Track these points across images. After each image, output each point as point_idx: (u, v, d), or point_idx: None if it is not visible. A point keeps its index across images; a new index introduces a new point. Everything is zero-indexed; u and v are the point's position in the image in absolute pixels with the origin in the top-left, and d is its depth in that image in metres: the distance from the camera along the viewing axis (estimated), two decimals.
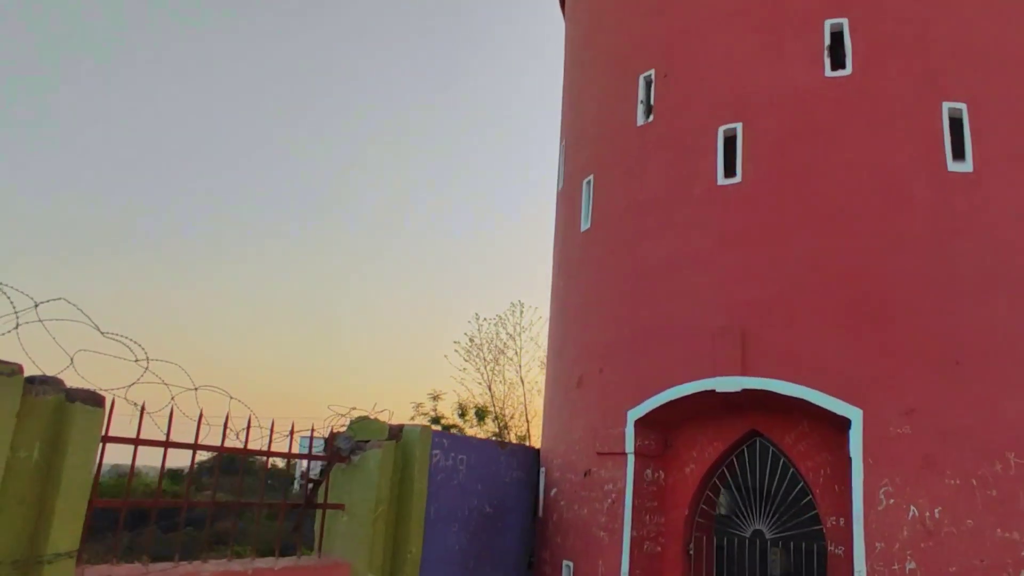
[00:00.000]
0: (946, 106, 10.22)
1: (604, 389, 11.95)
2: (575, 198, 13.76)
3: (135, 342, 6.66)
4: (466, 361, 25.56)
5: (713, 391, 10.46)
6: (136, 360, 6.29)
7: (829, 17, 10.89)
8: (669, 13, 12.37)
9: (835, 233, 10.15)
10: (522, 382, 25.03)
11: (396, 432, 9.71)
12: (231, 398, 7.08)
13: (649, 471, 11.45)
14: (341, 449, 9.33)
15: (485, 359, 25.24)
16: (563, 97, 15.99)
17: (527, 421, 25.01)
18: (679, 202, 11.43)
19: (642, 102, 12.50)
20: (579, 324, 12.91)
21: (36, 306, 5.86)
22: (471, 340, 25.57)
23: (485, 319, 26.14)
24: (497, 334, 24.93)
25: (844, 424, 9.91)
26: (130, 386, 6.41)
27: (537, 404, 25.22)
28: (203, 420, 6.72)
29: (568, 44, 16.01)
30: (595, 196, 13.05)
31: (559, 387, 13.43)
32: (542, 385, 24.74)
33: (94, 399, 6.01)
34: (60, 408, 5.78)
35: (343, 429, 10.01)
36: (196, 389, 7.07)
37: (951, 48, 10.46)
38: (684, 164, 11.53)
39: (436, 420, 28.39)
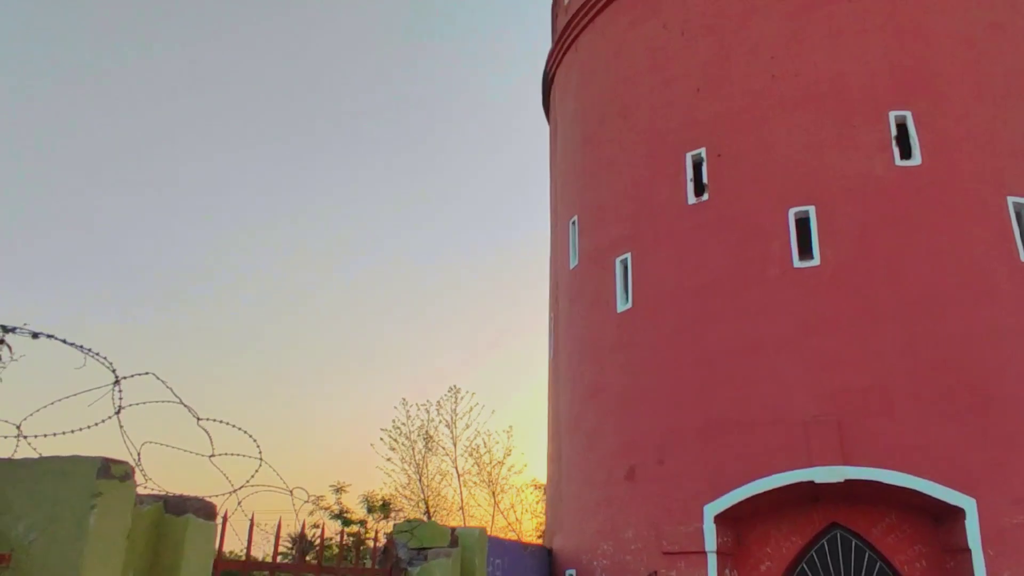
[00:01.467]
0: (1011, 200, 10.67)
1: (668, 482, 11.03)
2: (602, 277, 13.04)
3: (246, 433, 5.20)
4: (392, 450, 23.53)
5: (809, 482, 9.88)
6: (210, 455, 4.92)
7: (893, 109, 11.19)
8: (719, 95, 12.26)
9: (926, 321, 10.11)
10: (458, 473, 23.34)
11: (454, 537, 8.55)
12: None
13: (727, 570, 10.56)
14: (401, 560, 7.99)
15: (413, 448, 23.38)
16: (561, 175, 15.45)
17: (463, 512, 23.20)
18: (751, 285, 11.03)
19: (691, 180, 12.17)
20: (622, 412, 11.98)
21: (117, 381, 4.42)
22: (398, 428, 23.67)
23: (415, 405, 24.32)
24: (428, 420, 23.23)
25: (942, 515, 9.63)
26: (238, 489, 5.01)
27: (479, 496, 23.51)
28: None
29: (568, 122, 15.58)
30: (635, 275, 12.41)
31: (592, 482, 12.31)
32: (479, 476, 23.19)
33: (206, 510, 4.43)
34: (160, 521, 4.17)
35: (392, 532, 8.66)
36: (291, 491, 5.75)
37: (1011, 145, 11.03)
38: (752, 245, 11.21)
39: (340, 515, 25.78)
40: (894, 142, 11.04)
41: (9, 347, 4.50)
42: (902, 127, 11.16)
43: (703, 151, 12.14)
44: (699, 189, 12.07)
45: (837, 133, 11.25)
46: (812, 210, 11.00)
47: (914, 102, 11.18)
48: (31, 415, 4.18)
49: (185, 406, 4.82)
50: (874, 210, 10.75)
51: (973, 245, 10.43)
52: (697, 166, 12.20)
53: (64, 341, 4.59)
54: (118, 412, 4.66)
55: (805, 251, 10.91)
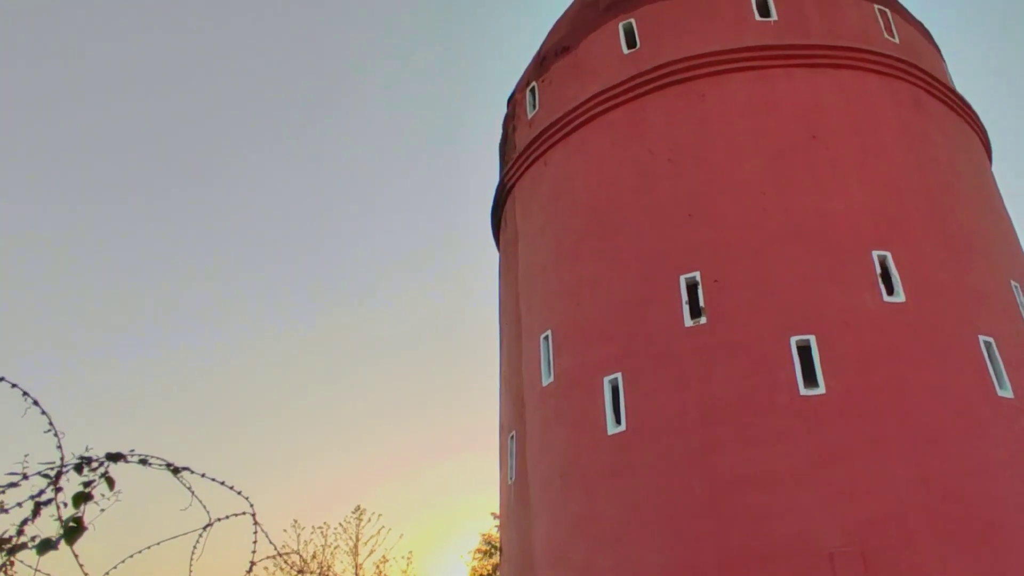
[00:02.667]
0: (981, 339, 11.60)
1: None
2: (588, 397, 12.60)
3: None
4: None
5: None
6: None
7: (875, 249, 12.00)
8: (712, 222, 12.60)
9: (930, 452, 10.52)
10: None
11: None
12: None
13: None
14: None
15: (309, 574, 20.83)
16: (527, 289, 15.10)
17: None
18: (759, 412, 11.03)
19: (687, 303, 12.24)
20: (621, 545, 11.32)
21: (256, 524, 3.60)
22: (287, 554, 21.09)
23: (310, 527, 21.77)
24: (326, 545, 20.93)
25: None
26: None
27: None
28: None
29: (535, 235, 15.38)
30: (628, 397, 12.08)
31: None
32: None
33: None
34: None
35: None
36: None
37: (975, 289, 12.10)
38: (757, 372, 11.30)
39: None
40: (879, 279, 11.78)
41: (111, 481, 3.37)
42: (884, 266, 11.96)
43: (697, 275, 12.30)
44: (695, 312, 12.14)
45: (829, 267, 11.85)
46: (813, 339, 11.34)
47: (892, 244, 12.08)
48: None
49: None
50: (870, 342, 11.26)
51: (957, 381, 11.15)
52: (691, 289, 12.32)
53: (206, 476, 3.50)
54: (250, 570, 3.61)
55: (810, 379, 11.14)
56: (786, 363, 11.27)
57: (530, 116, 16.57)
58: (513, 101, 17.77)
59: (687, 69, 14.02)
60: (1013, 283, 12.85)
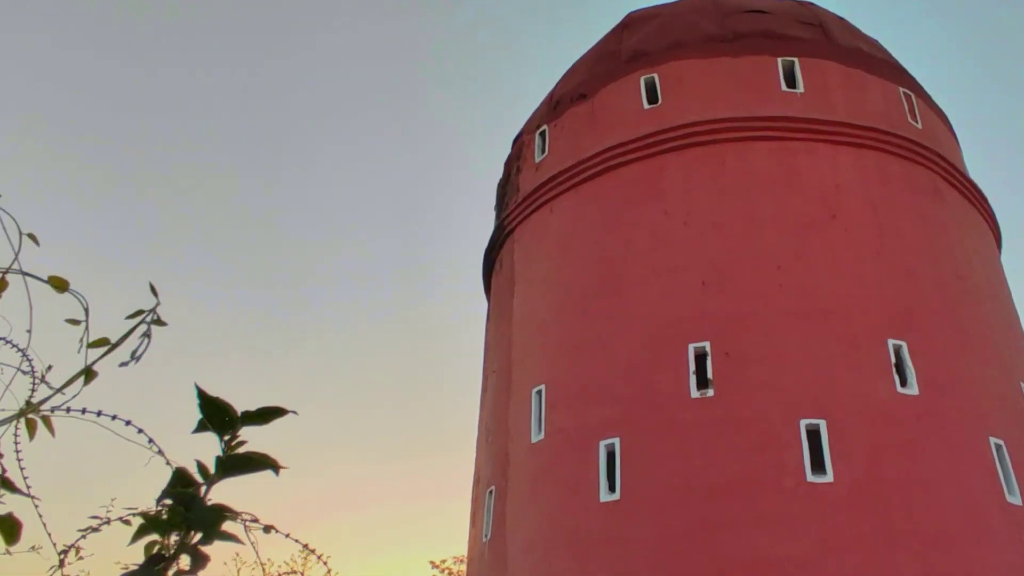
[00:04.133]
0: (992, 440, 11.26)
1: None
2: (583, 459, 11.99)
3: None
4: None
5: None
6: None
7: (891, 337, 11.67)
8: (725, 292, 12.21)
9: (936, 551, 10.11)
10: None
11: None
12: None
13: None
14: None
15: None
16: (522, 337, 14.53)
17: None
18: (765, 494, 10.53)
19: (694, 373, 11.75)
20: None
21: None
22: None
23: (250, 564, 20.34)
24: None
25: None
26: None
27: None
28: None
29: (537, 283, 14.85)
30: (625, 465, 11.51)
31: None
32: None
33: None
34: None
35: None
36: None
37: (988, 388, 11.80)
38: (765, 452, 10.83)
39: None
40: (894, 369, 11.42)
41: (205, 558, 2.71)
42: (899, 356, 11.62)
43: (707, 345, 11.85)
44: (702, 383, 11.65)
45: (843, 351, 11.49)
46: (823, 424, 10.91)
47: (907, 334, 11.77)
48: None
49: None
50: (882, 433, 10.87)
51: (968, 481, 10.78)
52: (700, 359, 11.85)
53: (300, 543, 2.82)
54: None
55: (818, 465, 10.68)
56: (795, 446, 10.81)
57: (538, 159, 16.15)
58: (520, 142, 17.36)
59: (709, 132, 13.74)
60: (1023, 384, 12.59)
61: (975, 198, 14.91)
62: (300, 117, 48.67)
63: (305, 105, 49.00)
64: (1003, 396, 12.05)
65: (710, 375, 11.64)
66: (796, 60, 14.55)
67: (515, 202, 16.30)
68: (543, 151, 16.23)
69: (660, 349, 12.15)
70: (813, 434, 10.95)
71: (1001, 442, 11.35)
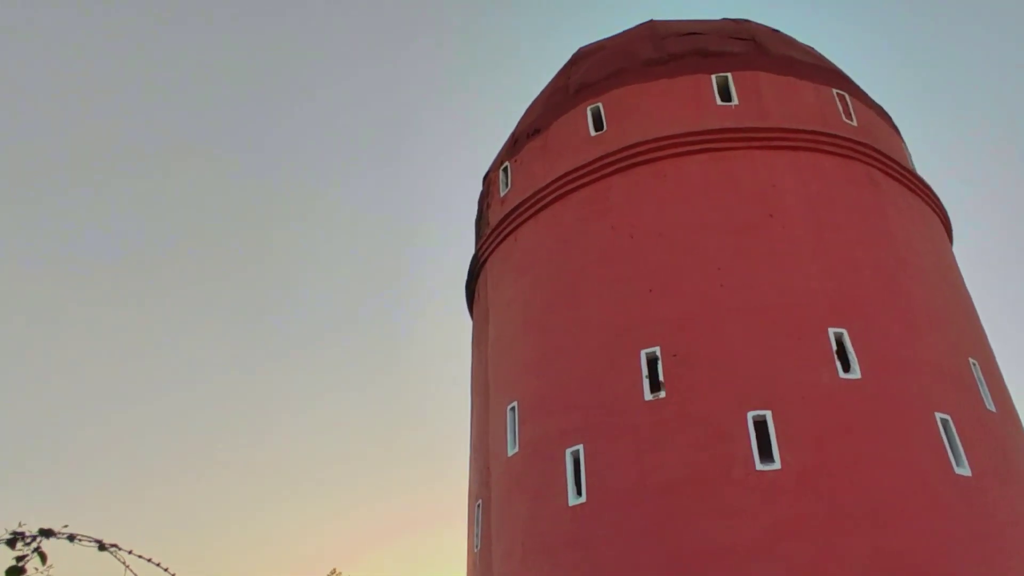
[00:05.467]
0: (938, 416, 11.67)
1: None
2: (550, 467, 12.61)
3: None
4: None
5: None
6: None
7: (832, 326, 12.21)
8: (671, 297, 12.86)
9: (886, 529, 10.47)
10: None
11: None
12: None
13: None
14: None
15: None
16: (496, 360, 15.27)
17: None
18: (716, 486, 11.04)
19: (647, 377, 12.38)
20: None
21: None
22: None
23: None
24: None
25: None
26: None
27: None
28: None
29: (504, 307, 15.66)
30: (589, 469, 12.10)
31: None
32: None
33: None
34: None
35: None
36: None
37: (932, 365, 12.24)
38: (715, 446, 11.36)
39: None
40: (836, 356, 11.94)
41: (43, 555, 3.55)
42: (840, 343, 12.14)
43: (657, 349, 12.48)
44: (655, 386, 12.26)
45: (786, 343, 12.03)
46: (769, 414, 11.42)
47: (848, 321, 12.29)
48: None
49: None
50: (826, 419, 11.34)
51: (913, 456, 11.17)
52: (652, 363, 12.47)
53: (132, 553, 3.64)
54: None
55: (766, 454, 11.17)
56: (743, 437, 11.33)
57: (503, 194, 17.07)
58: (488, 179, 18.32)
59: (650, 151, 14.54)
60: (972, 360, 12.99)
61: (918, 188, 15.44)
62: (290, 177, 50.26)
63: (295, 163, 50.66)
64: (950, 372, 12.45)
65: (661, 377, 12.26)
66: (729, 75, 15.36)
67: (485, 235, 17.19)
68: (507, 185, 17.15)
69: (614, 356, 12.81)
70: (760, 425, 11.46)
71: (947, 417, 11.73)
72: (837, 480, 10.85)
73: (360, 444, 45.71)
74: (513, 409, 14.02)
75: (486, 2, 57.11)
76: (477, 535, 14.24)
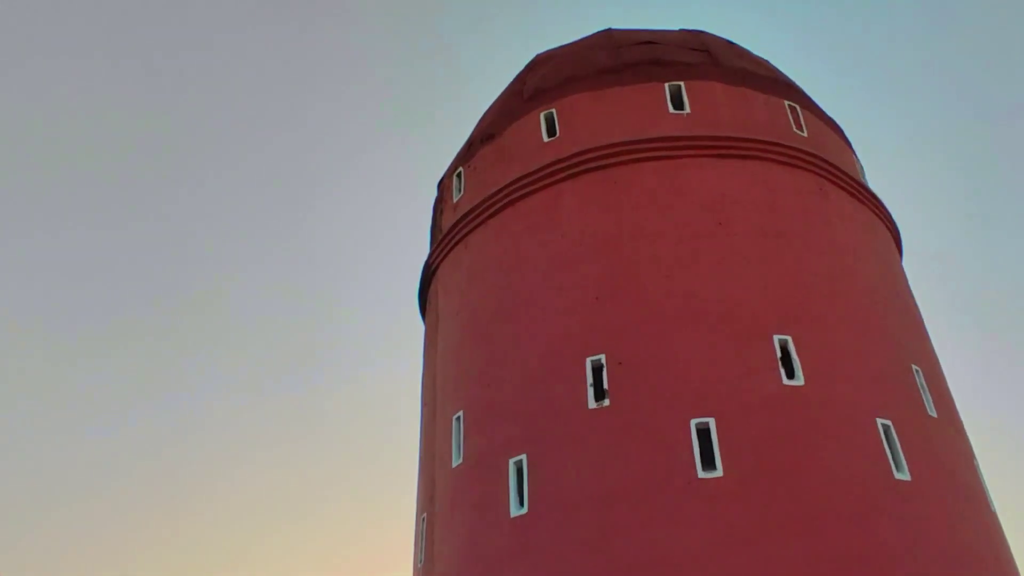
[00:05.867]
0: (879, 422, 11.65)
1: None
2: (493, 478, 12.37)
3: None
4: None
5: None
6: None
7: (776, 333, 12.16)
8: (617, 305, 12.73)
9: (824, 537, 10.40)
10: None
11: None
12: None
13: None
14: None
15: None
16: (443, 370, 15.03)
17: None
18: (656, 495, 10.88)
19: (591, 385, 12.22)
20: None
21: None
22: None
23: None
24: None
25: None
26: None
27: None
28: None
29: (452, 315, 15.45)
30: (531, 479, 11.88)
31: None
32: None
33: None
34: None
35: None
36: None
37: (874, 371, 12.24)
38: (656, 454, 11.22)
39: None
40: (780, 363, 11.88)
41: None
42: (785, 349, 12.09)
43: (603, 357, 12.33)
44: (599, 394, 12.10)
45: (730, 350, 11.96)
46: (712, 422, 11.31)
47: (793, 328, 12.26)
48: None
49: None
50: (769, 426, 11.26)
51: (855, 462, 11.13)
52: (597, 371, 12.32)
53: None
54: None
55: (708, 462, 11.05)
56: (685, 446, 11.20)
57: (455, 200, 16.89)
58: (442, 185, 18.14)
59: (601, 157, 14.47)
60: (915, 367, 13.02)
61: (865, 199, 15.53)
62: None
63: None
64: (893, 379, 12.46)
65: (606, 385, 12.10)
66: (682, 84, 15.37)
67: (437, 242, 16.98)
68: (460, 191, 16.98)
69: (560, 364, 12.63)
70: (703, 432, 11.35)
71: (889, 422, 11.72)
72: (778, 487, 10.75)
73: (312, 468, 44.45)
74: (459, 419, 13.77)
75: (449, 6, 56.92)
76: (421, 550, 13.92)
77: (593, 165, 14.47)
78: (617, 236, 13.51)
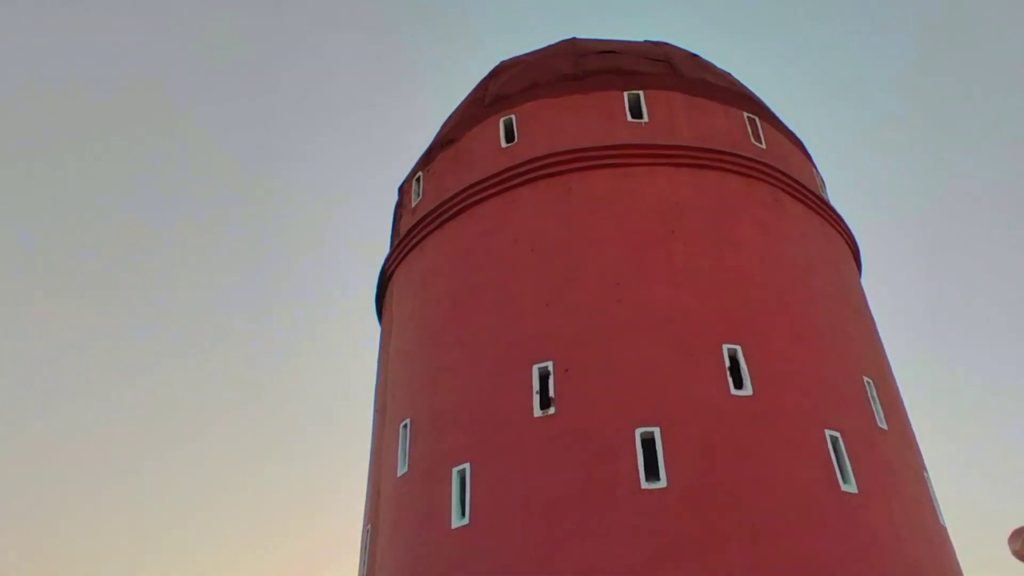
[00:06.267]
0: (828, 433, 11.51)
1: None
2: (436, 487, 12.07)
3: None
4: None
5: None
6: None
7: (726, 342, 12.01)
8: (567, 312, 12.53)
9: (766, 547, 10.20)
10: None
11: None
12: None
13: None
14: None
15: None
16: (393, 376, 14.75)
17: None
18: (599, 505, 10.64)
19: (537, 393, 11.99)
20: None
21: None
22: None
23: None
24: None
25: None
26: None
27: None
28: None
29: (405, 321, 15.20)
30: (474, 488, 11.60)
31: None
32: None
33: None
34: None
35: None
36: None
37: (824, 382, 12.12)
38: (600, 464, 10.98)
39: None
40: (728, 373, 11.72)
41: None
42: (734, 359, 11.94)
43: (550, 364, 12.11)
44: (545, 402, 11.87)
45: (678, 359, 11.79)
46: (657, 431, 11.11)
47: (742, 338, 12.11)
48: None
49: None
50: (714, 435, 11.08)
51: (801, 474, 10.96)
52: (544, 379, 12.10)
53: None
54: None
55: (651, 472, 10.83)
56: (630, 455, 10.98)
57: (414, 204, 16.68)
58: (402, 190, 17.94)
59: (556, 164, 14.33)
60: (866, 379, 12.91)
61: (823, 211, 15.50)
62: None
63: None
64: (843, 390, 12.34)
65: (552, 393, 11.88)
66: (641, 93, 15.31)
67: (394, 247, 16.75)
68: (419, 196, 16.78)
69: (507, 372, 12.39)
70: (648, 442, 11.14)
71: (837, 434, 11.58)
72: (722, 498, 10.55)
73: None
74: (406, 427, 13.47)
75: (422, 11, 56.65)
76: (364, 562, 13.57)
77: (547, 172, 14.33)
78: (568, 243, 13.34)
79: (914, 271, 46.93)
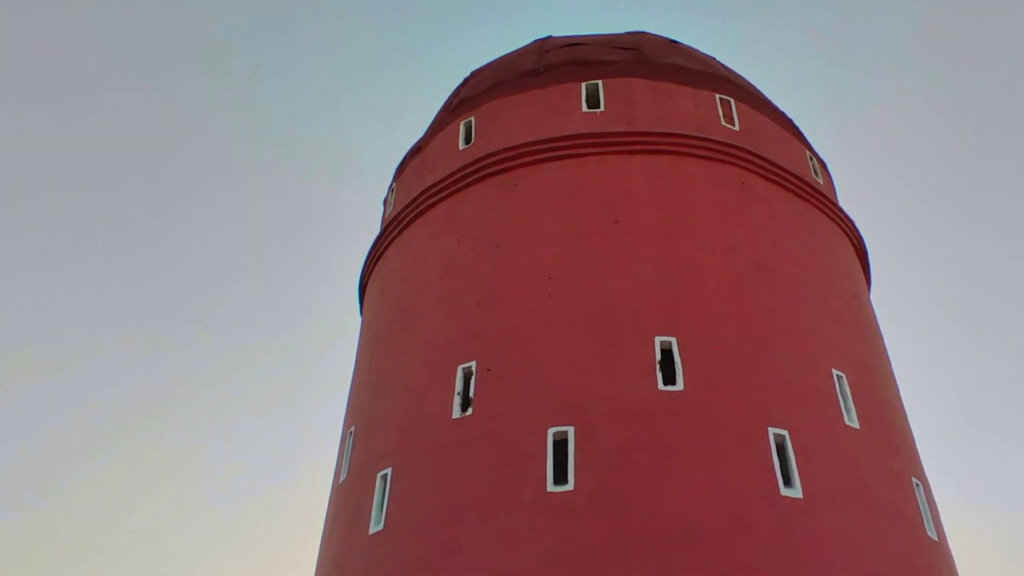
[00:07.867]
0: (772, 431, 10.23)
1: None
2: (363, 493, 11.59)
3: None
4: None
5: None
6: None
7: (659, 334, 10.99)
8: (496, 310, 11.91)
9: (681, 554, 9.09)
10: None
11: None
12: None
13: None
14: None
15: None
16: (354, 382, 14.46)
17: None
18: (504, 509, 9.85)
19: (459, 394, 11.35)
20: None
21: None
22: None
23: None
24: None
25: None
26: None
27: None
28: None
29: (363, 329, 14.95)
30: (392, 493, 11.04)
31: None
32: None
33: None
34: None
35: None
36: None
37: (772, 378, 10.84)
38: (509, 466, 10.20)
39: None
40: (658, 367, 10.69)
41: None
42: (667, 352, 10.90)
43: (474, 364, 11.47)
44: (465, 404, 11.22)
45: (603, 354, 10.89)
46: (571, 431, 10.23)
47: (680, 329, 11.07)
48: None
49: None
50: (633, 434, 10.09)
51: (733, 475, 9.78)
52: (467, 380, 11.46)
53: None
54: None
55: (561, 474, 9.94)
56: (540, 457, 10.15)
57: (387, 214, 16.52)
58: (385, 202, 17.83)
59: (505, 160, 13.81)
60: (836, 372, 11.46)
61: (806, 192, 14.09)
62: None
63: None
64: (800, 386, 10.98)
65: (472, 394, 11.21)
66: (600, 82, 14.58)
67: (367, 257, 16.60)
68: (390, 206, 16.62)
69: (435, 374, 11.84)
70: (561, 443, 10.26)
71: (784, 432, 10.27)
72: (635, 502, 9.52)
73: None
74: (351, 434, 13.11)
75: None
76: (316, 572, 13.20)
77: (496, 169, 13.81)
78: (507, 239, 12.72)
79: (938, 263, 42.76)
